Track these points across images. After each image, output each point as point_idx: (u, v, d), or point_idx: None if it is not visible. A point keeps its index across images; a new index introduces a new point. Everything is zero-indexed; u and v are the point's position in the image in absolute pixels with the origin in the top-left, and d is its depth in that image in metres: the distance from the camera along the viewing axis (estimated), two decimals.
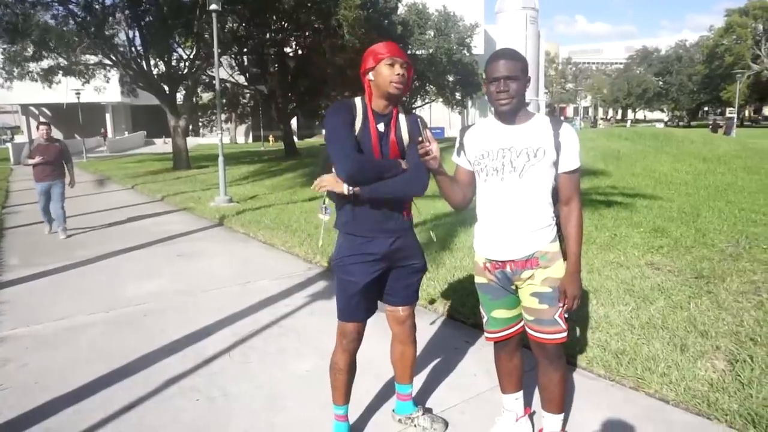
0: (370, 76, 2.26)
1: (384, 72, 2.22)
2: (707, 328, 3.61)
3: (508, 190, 2.19)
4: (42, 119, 11.08)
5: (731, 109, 49.85)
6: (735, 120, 43.52)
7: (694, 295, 4.28)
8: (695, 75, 67.19)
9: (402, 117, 2.38)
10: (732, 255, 5.45)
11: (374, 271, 2.37)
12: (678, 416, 2.73)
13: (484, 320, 2.43)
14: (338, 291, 2.41)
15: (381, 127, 2.31)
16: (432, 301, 4.46)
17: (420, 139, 2.11)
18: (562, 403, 2.37)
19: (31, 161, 7.65)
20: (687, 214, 7.67)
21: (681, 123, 68.85)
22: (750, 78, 57.11)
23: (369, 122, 2.29)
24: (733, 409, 2.67)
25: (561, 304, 2.20)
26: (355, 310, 2.39)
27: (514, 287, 2.29)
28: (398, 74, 2.22)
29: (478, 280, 2.40)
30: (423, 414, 2.72)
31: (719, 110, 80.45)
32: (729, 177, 11.90)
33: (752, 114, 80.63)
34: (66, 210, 8.05)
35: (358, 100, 2.33)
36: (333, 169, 2.31)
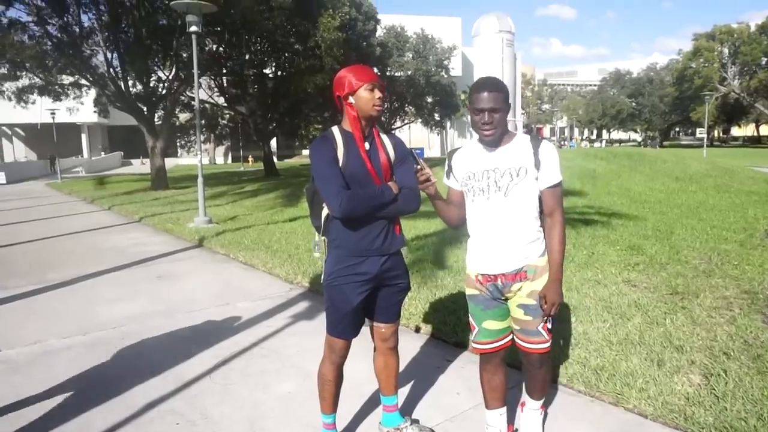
0: (351, 99, 2.33)
1: (365, 96, 2.31)
2: (682, 344, 3.69)
3: (495, 208, 2.31)
4: None
5: (701, 129, 51.39)
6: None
7: (669, 311, 4.37)
8: (666, 97, 69.06)
9: (384, 136, 2.48)
10: (705, 271, 5.59)
11: (364, 291, 2.41)
12: (656, 430, 2.78)
13: (474, 332, 2.48)
14: (329, 308, 2.46)
15: (366, 145, 2.38)
16: (413, 321, 4.47)
17: (419, 167, 2.22)
18: (543, 390, 2.63)
19: None
20: (661, 231, 7.85)
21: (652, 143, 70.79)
22: (718, 99, 59.00)
23: (357, 144, 2.35)
24: (709, 423, 2.73)
25: (541, 312, 2.32)
26: (346, 329, 2.44)
27: (504, 298, 2.40)
28: (378, 98, 2.33)
29: (469, 292, 2.47)
30: (410, 424, 2.74)
31: (690, 131, 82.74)
32: (701, 195, 12.23)
33: (721, 134, 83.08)
34: None
35: (335, 130, 2.40)
36: (324, 205, 2.37)
